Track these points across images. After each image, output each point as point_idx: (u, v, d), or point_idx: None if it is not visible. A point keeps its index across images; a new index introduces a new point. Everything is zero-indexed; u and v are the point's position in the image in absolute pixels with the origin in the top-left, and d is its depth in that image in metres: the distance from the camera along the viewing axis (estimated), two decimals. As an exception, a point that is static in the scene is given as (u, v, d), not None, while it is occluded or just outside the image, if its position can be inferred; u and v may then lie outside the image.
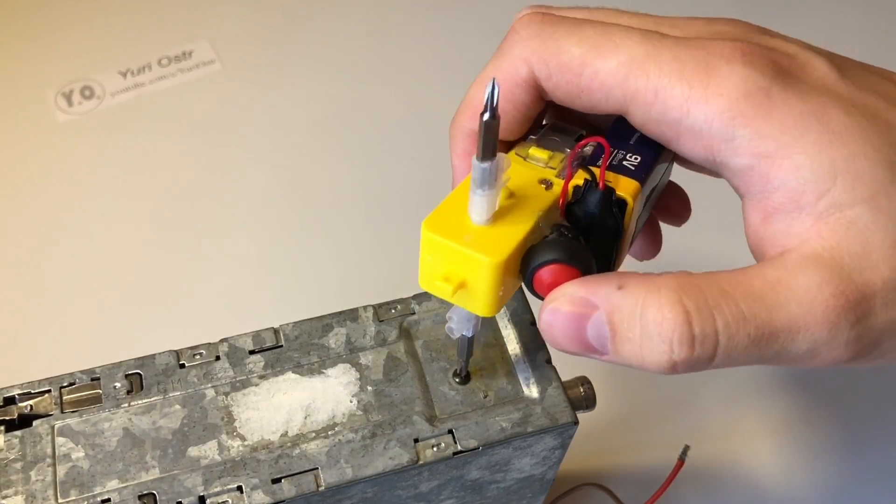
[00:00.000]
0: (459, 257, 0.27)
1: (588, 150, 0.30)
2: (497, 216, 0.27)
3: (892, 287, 0.25)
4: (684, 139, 0.27)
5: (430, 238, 0.27)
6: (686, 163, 0.34)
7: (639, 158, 0.30)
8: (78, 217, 0.60)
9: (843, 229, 0.25)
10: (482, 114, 0.24)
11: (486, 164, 0.25)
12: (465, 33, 0.72)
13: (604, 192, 0.29)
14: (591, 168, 0.29)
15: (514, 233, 0.27)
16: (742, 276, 0.26)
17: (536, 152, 0.30)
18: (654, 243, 0.37)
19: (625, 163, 0.30)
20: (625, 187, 0.29)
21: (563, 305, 0.26)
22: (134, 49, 0.70)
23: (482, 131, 0.25)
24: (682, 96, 0.26)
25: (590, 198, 0.29)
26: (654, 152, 0.31)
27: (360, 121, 0.66)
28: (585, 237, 0.29)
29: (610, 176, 0.29)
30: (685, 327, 0.25)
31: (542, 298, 0.28)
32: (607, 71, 0.27)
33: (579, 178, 0.29)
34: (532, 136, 0.31)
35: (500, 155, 0.26)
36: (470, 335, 0.31)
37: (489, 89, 0.24)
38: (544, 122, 0.33)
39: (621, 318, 0.25)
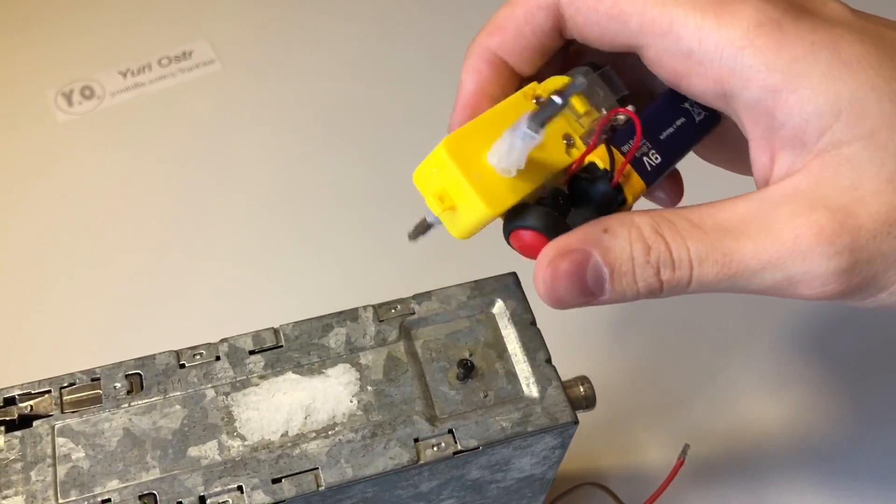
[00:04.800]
0: (461, 188, 0.27)
1: (621, 119, 0.30)
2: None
3: (881, 221, 0.25)
4: (695, 73, 0.27)
5: (443, 159, 0.27)
6: (706, 152, 0.34)
7: (659, 159, 0.30)
8: (78, 217, 0.60)
9: (834, 164, 0.25)
10: (554, 93, 0.25)
11: (532, 133, 0.26)
12: (465, 33, 0.72)
13: (612, 189, 0.29)
14: (613, 153, 0.29)
15: (518, 189, 0.28)
16: (711, 209, 0.27)
17: (577, 102, 0.30)
18: (677, 193, 0.38)
19: (645, 158, 0.30)
20: (632, 187, 0.30)
21: (561, 260, 0.28)
22: (134, 49, 0.70)
23: (548, 108, 0.25)
24: (695, 25, 0.26)
25: (598, 185, 0.29)
26: (678, 153, 0.31)
27: (360, 120, 0.66)
28: (577, 205, 0.30)
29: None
30: (666, 254, 0.27)
31: (511, 246, 0.29)
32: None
33: (598, 155, 0.29)
34: (581, 79, 0.29)
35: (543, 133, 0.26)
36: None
37: (570, 90, 0.26)
38: (598, 67, 0.33)
39: (615, 257, 0.27)
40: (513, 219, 0.29)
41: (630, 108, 0.30)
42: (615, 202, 0.29)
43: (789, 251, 0.25)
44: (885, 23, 0.27)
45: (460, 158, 0.27)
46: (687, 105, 0.32)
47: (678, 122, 0.31)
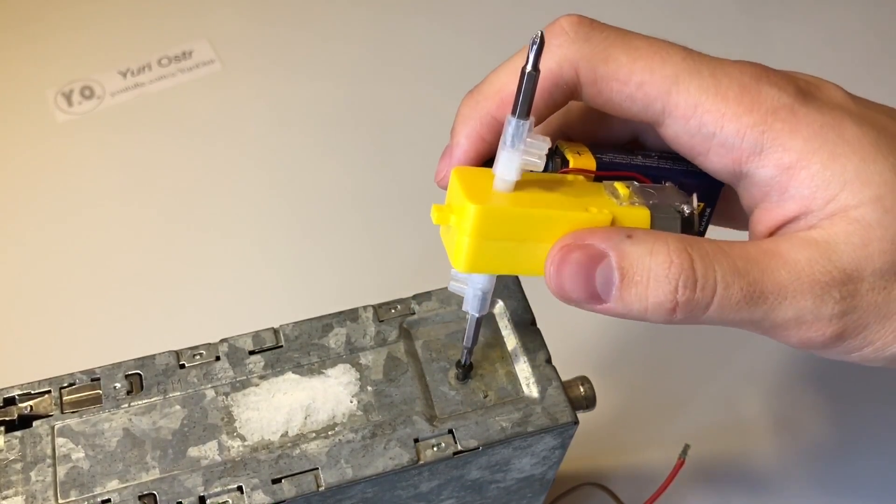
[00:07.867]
0: (457, 194, 0.27)
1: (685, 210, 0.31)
2: (527, 186, 0.28)
3: (880, 275, 0.27)
4: (714, 152, 0.29)
5: (453, 178, 0.28)
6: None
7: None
8: (78, 217, 0.60)
9: (844, 223, 0.27)
10: (524, 67, 0.25)
11: (521, 121, 0.26)
12: (465, 33, 0.72)
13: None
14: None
15: (522, 202, 0.28)
16: (738, 244, 0.28)
17: (621, 186, 0.30)
18: None
19: None
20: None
21: (574, 250, 0.28)
22: (134, 49, 0.70)
23: (524, 84, 0.25)
24: (719, 112, 0.28)
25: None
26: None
27: (360, 120, 0.66)
28: None
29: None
30: (690, 272, 0.27)
31: None
32: (652, 83, 0.29)
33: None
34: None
35: (533, 119, 0.26)
36: (477, 314, 0.31)
37: (535, 43, 0.25)
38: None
39: (631, 263, 0.27)
40: None
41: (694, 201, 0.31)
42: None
43: (807, 291, 0.27)
44: (875, 107, 0.30)
45: (466, 179, 0.28)
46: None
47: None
